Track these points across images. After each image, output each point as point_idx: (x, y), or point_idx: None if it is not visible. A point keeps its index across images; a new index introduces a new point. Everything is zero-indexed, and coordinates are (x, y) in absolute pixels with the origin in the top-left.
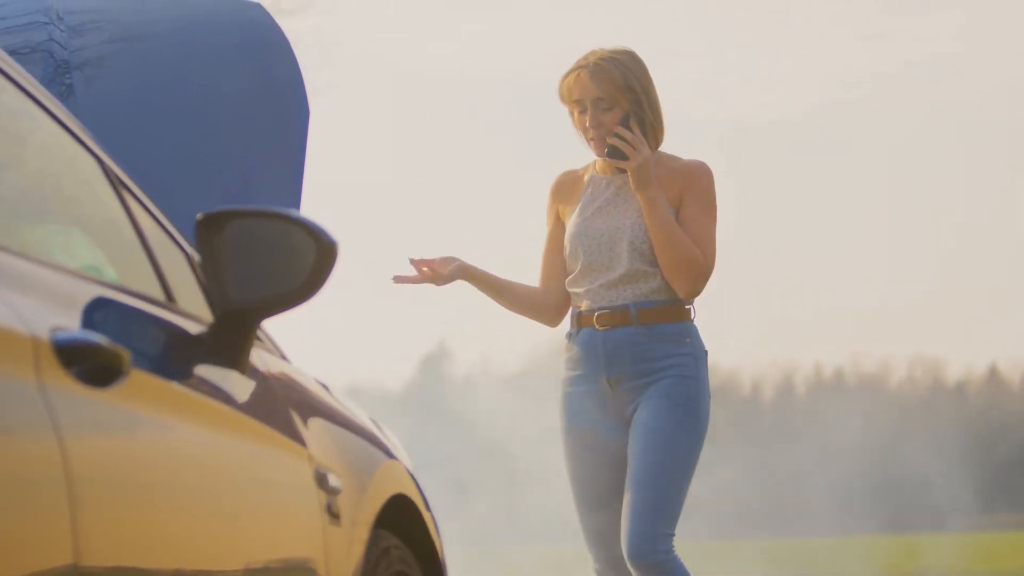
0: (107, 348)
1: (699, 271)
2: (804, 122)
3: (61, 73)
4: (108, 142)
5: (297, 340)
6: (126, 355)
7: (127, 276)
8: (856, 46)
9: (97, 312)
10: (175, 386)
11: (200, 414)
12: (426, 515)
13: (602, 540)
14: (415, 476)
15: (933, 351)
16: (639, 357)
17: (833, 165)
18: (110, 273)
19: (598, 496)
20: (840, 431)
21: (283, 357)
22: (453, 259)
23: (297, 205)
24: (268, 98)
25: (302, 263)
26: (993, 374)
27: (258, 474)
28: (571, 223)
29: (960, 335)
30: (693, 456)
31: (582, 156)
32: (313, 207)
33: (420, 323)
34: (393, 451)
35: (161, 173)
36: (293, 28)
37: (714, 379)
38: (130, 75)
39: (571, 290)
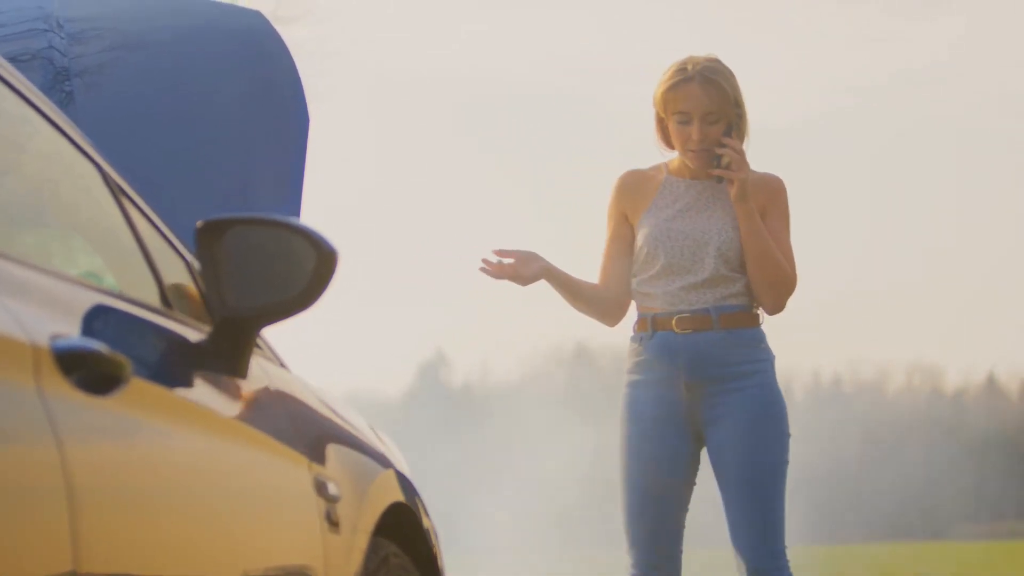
0: (107, 356)
1: (788, 288)
2: (803, 128)
3: (61, 80)
4: (108, 149)
5: (296, 348)
6: (126, 363)
7: (127, 283)
8: (855, 52)
9: (97, 319)
10: (175, 394)
11: (199, 422)
12: (425, 523)
13: (652, 540)
14: (414, 484)
15: (931, 358)
16: (720, 362)
17: (831, 171)
18: (110, 280)
19: (656, 497)
20: (839, 438)
21: (282, 365)
22: (536, 256)
23: (297, 213)
24: (267, 106)
25: (302, 271)
26: (991, 382)
27: (257, 482)
28: (647, 223)
29: (959, 343)
30: (787, 463)
31: (582, 162)
32: (312, 214)
33: (418, 331)
34: (392, 459)
35: (160, 180)
36: (292, 35)
37: None
38: (129, 82)
39: (643, 291)
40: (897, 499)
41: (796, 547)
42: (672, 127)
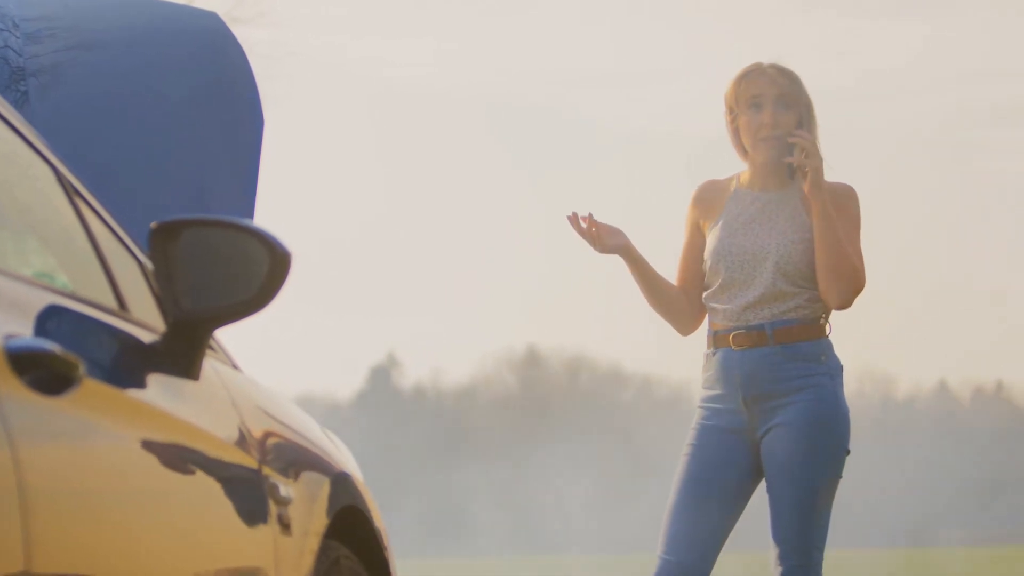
0: (60, 356)
1: (857, 283)
2: None
3: (16, 80)
4: (62, 149)
5: (248, 350)
6: (79, 363)
7: (80, 284)
8: (818, 59)
9: (50, 320)
10: (127, 394)
11: (152, 423)
12: (376, 525)
13: (684, 541)
14: (365, 487)
15: (883, 366)
16: (775, 377)
17: None
18: (63, 281)
19: (701, 496)
20: None
21: (235, 367)
22: (621, 233)
23: (251, 215)
24: (222, 107)
25: (256, 273)
26: (943, 389)
27: (209, 484)
28: (713, 237)
29: (909, 351)
30: (836, 474)
31: (537, 175)
32: (265, 217)
33: (370, 334)
34: (343, 462)
35: (115, 180)
36: (247, 37)
37: (666, 392)
38: (85, 83)
39: (708, 305)
40: (849, 506)
41: (745, 553)
42: (744, 120)
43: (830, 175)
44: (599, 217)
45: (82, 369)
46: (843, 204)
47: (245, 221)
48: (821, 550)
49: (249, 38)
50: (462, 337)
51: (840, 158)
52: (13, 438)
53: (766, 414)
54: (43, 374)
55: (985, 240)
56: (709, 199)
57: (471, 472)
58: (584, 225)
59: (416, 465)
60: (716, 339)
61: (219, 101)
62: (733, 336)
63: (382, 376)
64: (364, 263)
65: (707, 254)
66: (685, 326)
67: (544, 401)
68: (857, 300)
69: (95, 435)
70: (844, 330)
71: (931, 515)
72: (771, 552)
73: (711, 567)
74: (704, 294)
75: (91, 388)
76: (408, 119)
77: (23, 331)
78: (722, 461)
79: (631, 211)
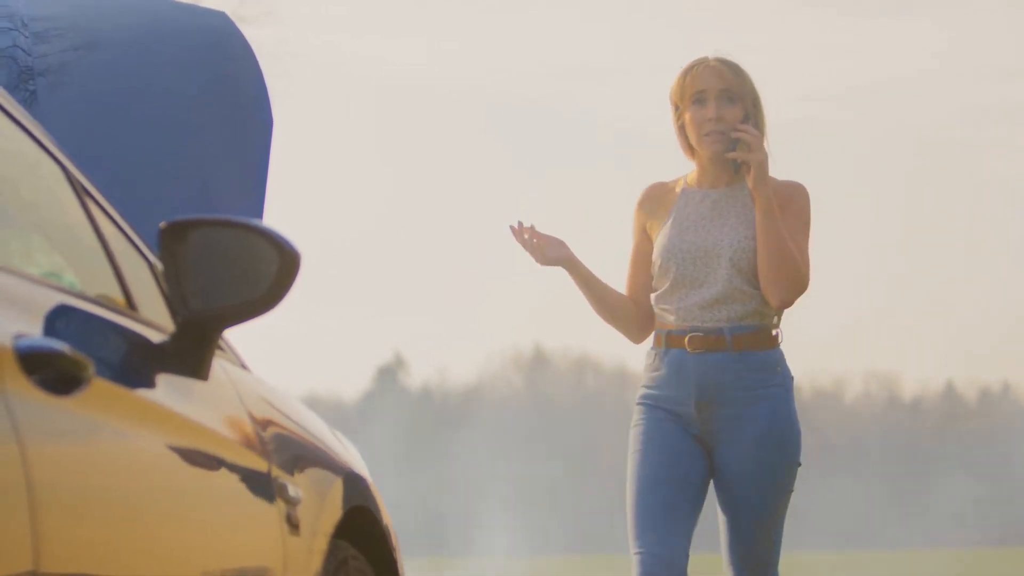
0: (69, 356)
1: (799, 282)
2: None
3: (25, 79)
4: (71, 149)
5: (255, 349)
6: (88, 363)
7: (89, 283)
8: (826, 60)
9: (59, 320)
10: (136, 394)
11: (161, 423)
12: (384, 525)
13: (659, 531)
14: (374, 487)
15: (888, 367)
16: (731, 385)
17: (796, 177)
18: (72, 280)
19: (666, 479)
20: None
21: (244, 367)
22: (562, 245)
23: (259, 215)
24: (230, 106)
25: (265, 273)
26: (949, 390)
27: (218, 483)
28: (662, 236)
29: (917, 352)
30: (789, 489)
31: (538, 173)
32: (273, 216)
33: (377, 334)
34: (352, 462)
35: (124, 180)
36: (253, 35)
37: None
38: (92, 82)
39: (659, 306)
40: (850, 507)
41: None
42: (689, 117)
43: (777, 172)
44: (541, 228)
45: (91, 369)
46: (791, 201)
47: (254, 221)
48: (776, 565)
49: (256, 36)
50: (469, 337)
51: (843, 160)
52: (22, 438)
53: (719, 423)
54: (52, 374)
55: (992, 241)
56: (655, 200)
57: (476, 471)
58: (527, 237)
59: (423, 464)
60: (669, 339)
61: (227, 100)
62: (689, 339)
63: (388, 376)
64: (371, 262)
65: (656, 254)
66: (635, 334)
67: (550, 401)
68: (865, 303)
69: (104, 435)
70: (854, 333)
71: (932, 518)
72: (725, 565)
73: (687, 553)
74: (653, 296)
75: (100, 388)
76: (410, 118)
77: (32, 331)
78: (676, 449)
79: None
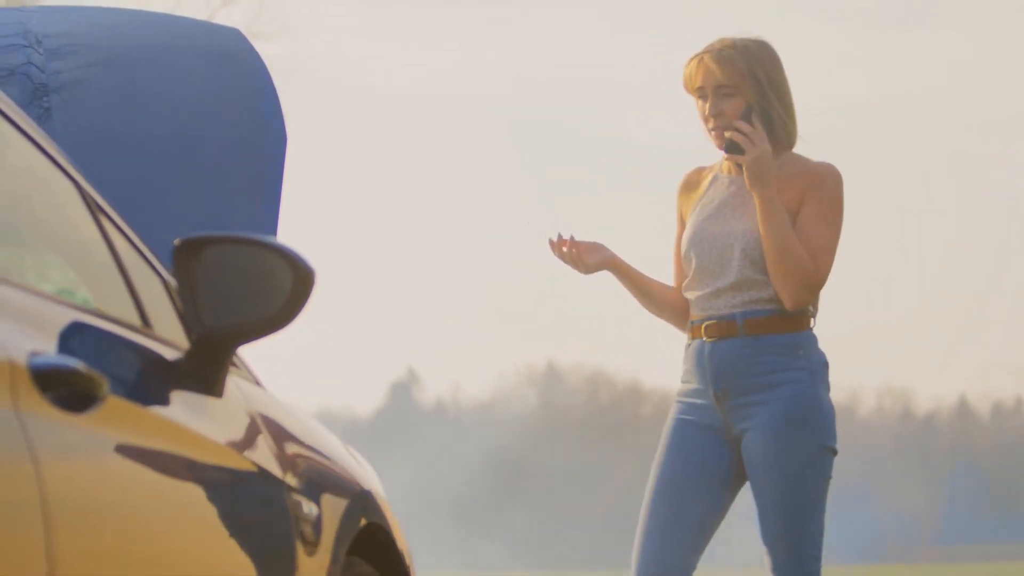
0: (84, 373)
1: (806, 282)
2: None
3: (39, 96)
4: (85, 166)
5: (268, 366)
6: (103, 380)
7: (104, 301)
8: (843, 72)
9: (74, 337)
10: (151, 412)
11: (176, 440)
12: (399, 542)
13: (656, 538)
14: (388, 503)
15: (902, 382)
16: (746, 371)
17: None
18: (87, 297)
19: (679, 486)
20: None
21: (258, 384)
22: (601, 247)
23: (274, 231)
24: (244, 123)
25: (279, 290)
26: (963, 405)
27: (232, 501)
28: (689, 224)
29: (930, 366)
30: (822, 475)
31: (556, 186)
32: (287, 233)
33: (390, 350)
34: (366, 478)
35: (137, 197)
36: (267, 52)
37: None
38: (106, 99)
39: (685, 294)
40: (867, 521)
41: (755, 567)
42: (698, 108)
43: (805, 151)
44: (579, 236)
45: (106, 386)
46: (820, 185)
47: (268, 238)
48: (816, 559)
49: (269, 52)
50: (482, 352)
51: (859, 173)
52: (37, 455)
53: (739, 411)
54: (67, 391)
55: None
56: (691, 186)
57: (491, 487)
58: (565, 249)
59: (437, 481)
60: (692, 329)
61: (241, 117)
62: (705, 326)
63: (402, 392)
64: (384, 278)
65: (682, 243)
66: (685, 327)
67: (563, 416)
68: (878, 318)
69: (119, 452)
70: (865, 347)
71: (945, 531)
72: (763, 560)
73: (685, 567)
74: (684, 285)
75: (114, 405)
76: (428, 133)
77: (47, 348)
78: (699, 462)
79: (647, 221)
